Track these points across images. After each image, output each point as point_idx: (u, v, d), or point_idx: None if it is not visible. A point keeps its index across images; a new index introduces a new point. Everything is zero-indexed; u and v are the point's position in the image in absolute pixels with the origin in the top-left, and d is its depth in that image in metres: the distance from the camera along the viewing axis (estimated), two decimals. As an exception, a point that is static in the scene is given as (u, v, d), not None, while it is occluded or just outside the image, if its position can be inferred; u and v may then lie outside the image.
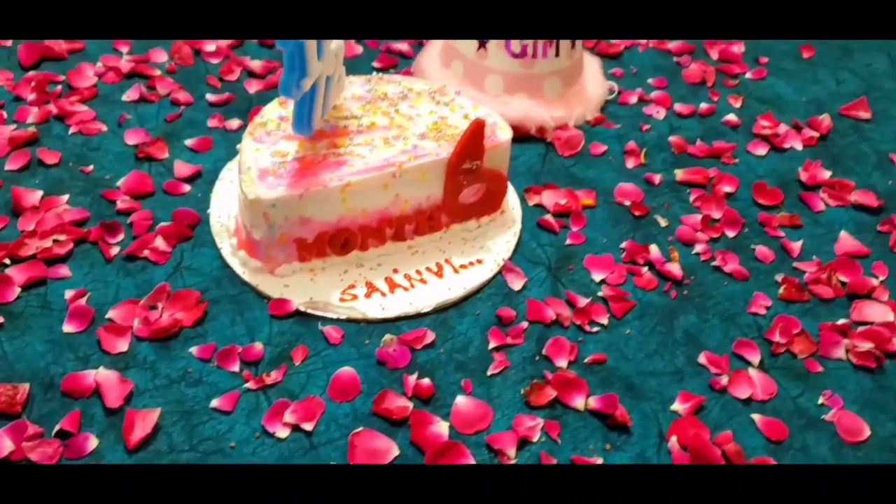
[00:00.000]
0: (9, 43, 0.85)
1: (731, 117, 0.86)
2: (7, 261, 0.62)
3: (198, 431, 0.53)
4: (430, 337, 0.61)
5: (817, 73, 0.96)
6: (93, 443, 0.52)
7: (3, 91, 0.79)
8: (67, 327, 0.58)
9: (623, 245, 0.70)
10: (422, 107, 0.69)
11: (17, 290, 0.60)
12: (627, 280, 0.68)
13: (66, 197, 0.68)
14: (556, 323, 0.63)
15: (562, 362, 0.60)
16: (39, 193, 0.68)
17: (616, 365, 0.61)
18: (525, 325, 0.63)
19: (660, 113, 0.86)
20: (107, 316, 0.59)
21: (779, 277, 0.69)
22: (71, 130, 0.75)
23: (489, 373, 0.59)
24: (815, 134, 0.85)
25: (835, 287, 0.69)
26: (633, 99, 0.88)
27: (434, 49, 0.87)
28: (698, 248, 0.71)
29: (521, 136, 0.80)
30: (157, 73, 0.84)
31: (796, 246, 0.72)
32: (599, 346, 0.62)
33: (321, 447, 0.53)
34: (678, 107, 0.87)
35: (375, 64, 0.89)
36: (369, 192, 0.63)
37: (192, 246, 0.66)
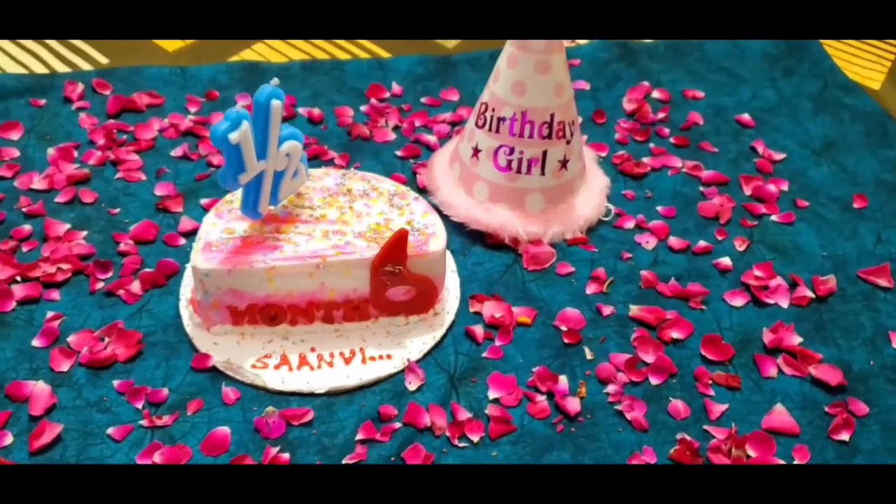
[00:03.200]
0: (107, 91, 1.07)
1: (725, 261, 0.89)
2: (19, 278, 0.81)
3: (87, 451, 0.68)
4: (309, 416, 0.72)
5: (858, 228, 0.96)
6: (8, 439, 0.68)
7: (84, 133, 1.00)
8: (36, 342, 0.76)
9: (534, 369, 0.77)
10: (375, 207, 0.81)
11: (14, 303, 0.79)
12: (521, 404, 0.75)
13: (84, 233, 0.87)
14: (429, 430, 0.72)
15: (413, 467, 0.69)
16: (67, 227, 0.87)
17: (465, 481, 0.69)
18: (398, 425, 0.72)
19: (650, 243, 0.91)
20: (67, 339, 0.77)
21: (679, 436, 0.73)
22: (117, 175, 0.95)
23: (343, 461, 0.69)
24: (810, 294, 0.86)
25: (734, 459, 0.72)
26: (630, 224, 0.94)
27: (447, 149, 0.99)
28: (611, 388, 0.76)
29: (498, 243, 0.90)
30: (208, 133, 1.02)
31: (719, 409, 0.75)
32: (458, 460, 0.70)
33: (172, 489, 0.66)
34: (673, 240, 0.92)
35: (399, 153, 1.02)
36: (295, 277, 0.76)
37: (161, 293, 0.82)
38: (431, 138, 1.04)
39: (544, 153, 0.88)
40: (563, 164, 0.89)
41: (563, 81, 0.87)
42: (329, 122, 1.06)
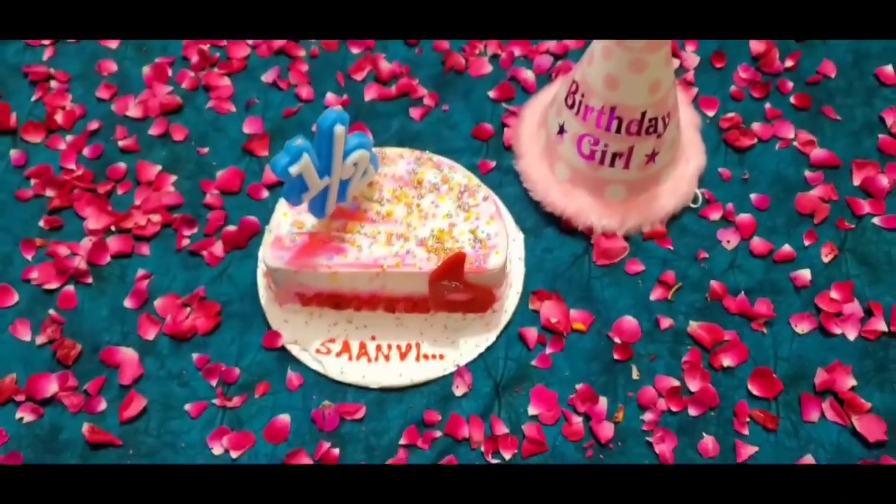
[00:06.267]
0: (204, -11, 1.06)
1: (804, 274, 0.87)
2: (113, 228, 0.90)
3: (167, 424, 0.80)
4: (361, 413, 0.81)
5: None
6: (102, 406, 0.81)
7: (179, 45, 1.03)
8: (127, 302, 0.86)
9: (578, 386, 0.82)
10: (443, 206, 0.82)
11: (109, 257, 0.88)
12: (558, 423, 0.81)
13: (174, 178, 0.93)
14: (467, 441, 0.80)
15: (446, 479, 0.78)
16: (158, 169, 0.93)
17: (491, 499, 0.77)
18: (438, 434, 0.80)
19: (731, 242, 0.90)
20: (154, 302, 0.86)
21: (703, 477, 0.78)
22: (208, 104, 0.98)
23: (387, 462, 0.79)
24: (883, 328, 0.84)
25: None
26: (716, 215, 0.91)
27: (539, 102, 0.96)
28: (648, 416, 0.81)
29: (572, 228, 0.90)
30: (302, 53, 1.02)
31: (747, 451, 0.79)
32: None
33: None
34: (756, 241, 0.89)
35: (491, 93, 0.99)
36: (357, 279, 0.81)
37: (242, 256, 0.89)
38: (529, 75, 1.00)
39: (630, 148, 0.85)
40: (651, 157, 0.86)
41: (660, 78, 0.82)
42: (425, 45, 1.03)
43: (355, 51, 1.02)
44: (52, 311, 0.84)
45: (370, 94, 0.99)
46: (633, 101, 0.82)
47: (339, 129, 0.72)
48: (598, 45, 0.82)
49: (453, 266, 0.77)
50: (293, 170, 0.71)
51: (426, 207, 0.82)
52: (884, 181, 0.92)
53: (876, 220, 0.91)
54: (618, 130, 0.84)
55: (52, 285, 0.86)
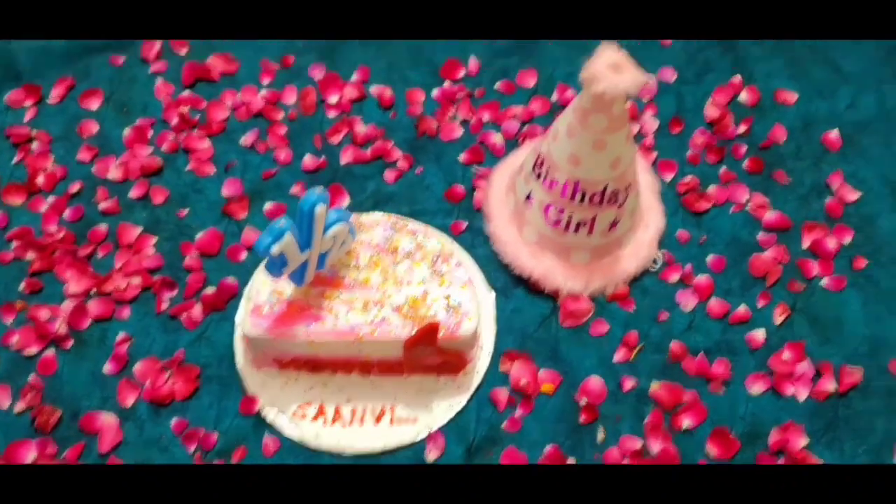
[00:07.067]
0: (184, 51, 1.06)
1: (759, 335, 0.89)
2: (93, 291, 0.89)
3: (146, 489, 0.79)
4: (336, 477, 0.81)
5: (919, 300, 0.92)
6: (82, 472, 0.80)
7: (159, 107, 1.02)
8: (107, 367, 0.85)
9: (546, 448, 0.83)
10: (417, 272, 0.83)
11: (89, 321, 0.88)
12: (527, 485, 0.81)
13: (154, 239, 0.93)
14: (439, 504, 0.80)
15: (420, 542, 0.78)
16: (138, 231, 0.93)
17: (463, 560, 0.78)
18: (412, 498, 0.80)
19: (689, 305, 0.91)
20: (133, 367, 0.85)
21: (665, 535, 0.79)
22: (188, 167, 0.98)
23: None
24: (831, 389, 0.86)
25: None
26: (675, 277, 0.93)
27: (507, 167, 0.97)
28: (613, 476, 0.82)
29: (539, 290, 0.91)
30: (280, 116, 1.02)
31: (708, 509, 0.80)
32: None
33: (215, 537, 0.78)
34: (713, 303, 0.91)
35: (462, 157, 1.00)
36: (333, 346, 0.81)
37: (220, 319, 0.89)
38: (498, 139, 1.01)
39: (594, 217, 0.86)
40: (613, 224, 0.88)
41: (621, 155, 0.83)
42: (399, 109, 1.04)
43: (332, 115, 1.03)
44: (31, 377, 0.83)
45: (346, 157, 1.00)
46: (595, 175, 0.83)
47: (320, 210, 0.73)
48: (562, 125, 0.83)
49: (427, 334, 0.78)
50: (275, 249, 0.71)
51: (401, 274, 0.82)
52: (831, 244, 0.95)
53: (824, 283, 0.93)
54: (581, 201, 0.85)
55: (32, 350, 0.85)
